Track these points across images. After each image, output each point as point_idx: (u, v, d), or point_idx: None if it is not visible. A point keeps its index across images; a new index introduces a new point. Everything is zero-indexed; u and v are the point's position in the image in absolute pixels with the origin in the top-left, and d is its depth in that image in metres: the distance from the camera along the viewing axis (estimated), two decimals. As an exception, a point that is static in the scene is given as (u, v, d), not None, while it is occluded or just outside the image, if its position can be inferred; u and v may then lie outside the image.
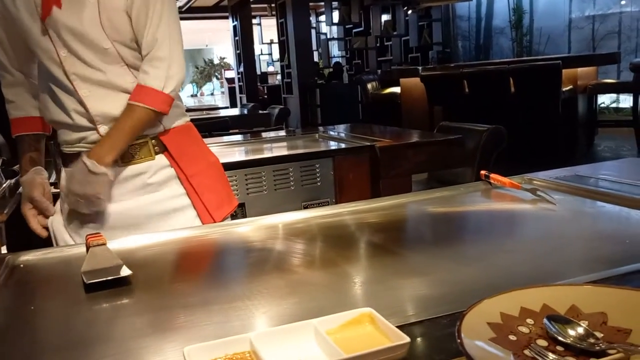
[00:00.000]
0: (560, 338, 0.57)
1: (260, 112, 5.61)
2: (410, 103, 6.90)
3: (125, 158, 1.32)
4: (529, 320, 0.61)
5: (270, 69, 13.80)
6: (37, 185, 1.34)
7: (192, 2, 11.33)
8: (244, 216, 2.17)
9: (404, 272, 0.90)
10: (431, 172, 2.99)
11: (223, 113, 6.16)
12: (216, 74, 20.21)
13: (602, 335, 0.58)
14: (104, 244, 1.00)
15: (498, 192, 1.35)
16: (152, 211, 1.34)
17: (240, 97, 11.09)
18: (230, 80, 13.89)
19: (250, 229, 1.18)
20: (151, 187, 1.35)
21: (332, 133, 3.09)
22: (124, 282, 0.89)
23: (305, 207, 2.32)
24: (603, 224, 1.13)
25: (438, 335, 0.64)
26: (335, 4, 10.24)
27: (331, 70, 10.33)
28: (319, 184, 2.41)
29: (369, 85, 8.02)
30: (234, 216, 1.50)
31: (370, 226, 1.19)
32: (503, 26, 10.81)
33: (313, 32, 9.95)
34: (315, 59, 10.45)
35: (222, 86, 18.40)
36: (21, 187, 1.38)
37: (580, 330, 0.58)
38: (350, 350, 0.57)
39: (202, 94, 20.31)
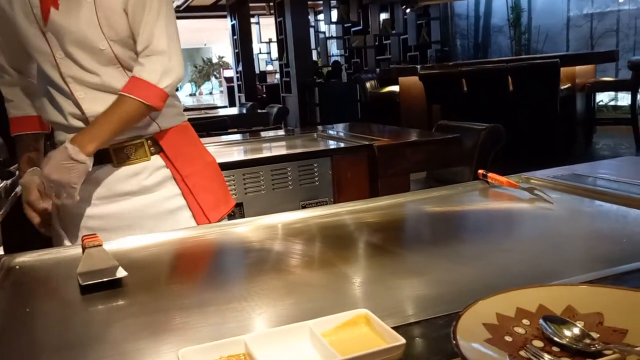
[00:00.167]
0: (556, 339, 0.57)
1: (259, 111, 5.60)
2: (409, 101, 6.91)
3: (120, 159, 1.31)
4: (525, 321, 0.60)
5: (269, 67, 13.79)
6: (34, 187, 1.33)
7: (190, 0, 11.31)
8: (242, 216, 2.17)
9: (402, 272, 0.90)
10: (429, 171, 2.99)
11: (222, 112, 6.16)
12: (215, 73, 20.18)
13: (598, 335, 0.57)
14: (100, 245, 0.99)
15: (496, 191, 1.34)
16: (147, 212, 1.34)
17: (239, 96, 11.08)
18: (228, 79, 13.86)
19: (248, 229, 1.18)
20: (147, 189, 1.34)
21: (330, 132, 3.09)
22: (120, 284, 0.88)
23: (304, 207, 2.32)
24: (600, 223, 1.13)
25: (434, 336, 0.64)
26: (333, 2, 10.25)
27: (330, 69, 10.33)
28: (317, 183, 2.40)
29: (368, 84, 8.03)
30: (231, 216, 1.50)
31: (368, 226, 1.19)
32: (501, 24, 10.83)
33: (312, 30, 9.98)
34: (314, 57, 10.46)
35: (220, 85, 18.37)
36: (20, 189, 1.38)
37: (576, 330, 0.58)
38: (346, 352, 0.57)
39: (200, 93, 20.28)
